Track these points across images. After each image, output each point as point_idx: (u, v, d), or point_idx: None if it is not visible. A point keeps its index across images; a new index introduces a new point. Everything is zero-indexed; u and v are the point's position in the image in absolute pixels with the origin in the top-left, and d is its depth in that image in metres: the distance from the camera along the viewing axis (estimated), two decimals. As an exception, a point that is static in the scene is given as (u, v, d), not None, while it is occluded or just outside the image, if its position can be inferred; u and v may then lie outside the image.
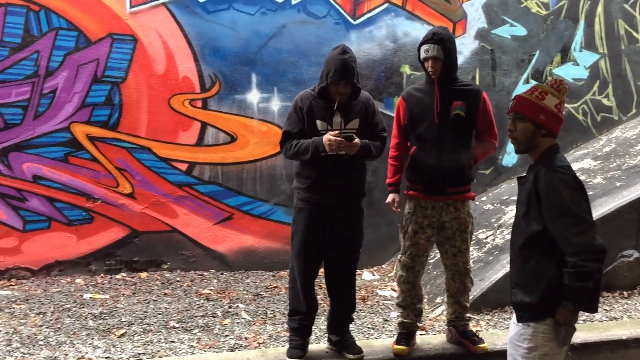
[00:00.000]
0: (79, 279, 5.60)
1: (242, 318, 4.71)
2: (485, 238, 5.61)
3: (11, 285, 5.43)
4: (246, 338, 4.29)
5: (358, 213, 3.79)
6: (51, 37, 5.53)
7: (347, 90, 3.60)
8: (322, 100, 3.64)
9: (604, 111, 6.97)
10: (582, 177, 5.83)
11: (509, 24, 6.57)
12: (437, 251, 4.14)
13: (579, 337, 3.99)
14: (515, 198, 2.94)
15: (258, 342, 4.22)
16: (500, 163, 6.63)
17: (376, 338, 4.36)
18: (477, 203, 6.35)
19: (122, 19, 5.66)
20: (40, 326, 4.45)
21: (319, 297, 4.89)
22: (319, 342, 4.15)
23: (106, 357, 3.93)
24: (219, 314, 4.78)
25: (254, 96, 5.96)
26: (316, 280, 3.88)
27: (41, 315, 4.67)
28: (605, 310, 4.92)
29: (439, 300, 4.96)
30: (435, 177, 3.77)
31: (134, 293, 5.25)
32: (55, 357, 3.92)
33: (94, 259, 5.74)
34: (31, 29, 5.49)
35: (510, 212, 5.72)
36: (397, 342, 3.90)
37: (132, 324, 4.52)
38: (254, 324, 4.60)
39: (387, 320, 4.72)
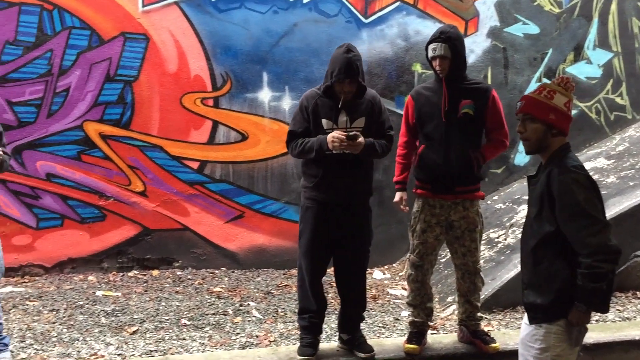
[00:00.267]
0: (91, 276, 5.64)
1: (253, 316, 4.72)
2: (497, 237, 5.59)
3: (25, 282, 5.48)
4: (257, 336, 4.31)
5: (365, 212, 3.78)
6: (64, 36, 5.57)
7: (352, 88, 3.59)
8: (328, 99, 3.64)
9: (617, 110, 6.91)
10: (595, 177, 5.79)
11: (521, 22, 6.53)
12: (448, 250, 4.13)
13: (591, 337, 3.97)
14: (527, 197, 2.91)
15: (269, 340, 4.23)
16: (512, 162, 6.60)
17: (387, 337, 4.36)
18: (488, 202, 6.32)
19: (135, 18, 5.69)
20: (54, 323, 4.49)
21: (329, 295, 4.91)
22: (329, 341, 4.15)
23: (118, 354, 3.96)
24: (230, 312, 4.79)
25: (265, 95, 5.97)
26: (327, 278, 3.88)
27: (54, 312, 4.71)
28: (618, 310, 4.88)
29: (450, 299, 4.95)
30: (443, 176, 3.76)
31: (146, 291, 5.28)
32: (68, 354, 3.95)
33: (106, 257, 5.78)
34: (45, 28, 5.53)
35: (522, 212, 5.69)
36: (408, 341, 3.89)
37: (144, 321, 4.55)
38: (265, 322, 4.61)
39: (398, 319, 4.71)
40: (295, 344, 4.02)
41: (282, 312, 4.83)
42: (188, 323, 4.53)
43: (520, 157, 6.60)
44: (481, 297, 4.09)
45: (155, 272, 5.77)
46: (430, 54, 3.76)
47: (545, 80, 6.47)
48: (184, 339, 4.22)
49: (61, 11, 5.55)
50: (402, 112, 4.02)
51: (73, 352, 3.98)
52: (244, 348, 4.09)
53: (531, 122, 2.74)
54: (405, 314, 4.64)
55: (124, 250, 5.81)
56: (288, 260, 5.95)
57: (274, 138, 5.98)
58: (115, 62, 5.67)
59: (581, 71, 6.73)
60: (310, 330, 3.78)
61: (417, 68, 6.22)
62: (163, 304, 4.94)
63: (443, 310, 4.91)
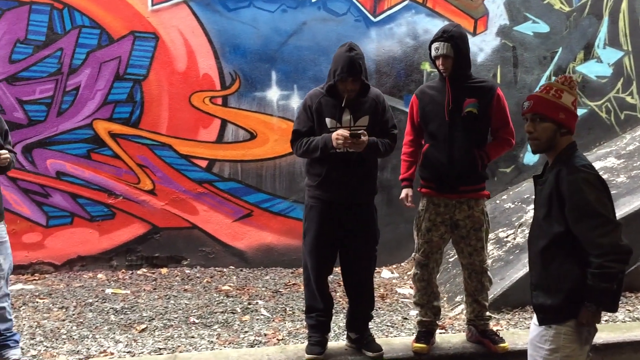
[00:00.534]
0: (100, 274, 5.67)
1: (262, 314, 4.73)
2: (506, 237, 5.57)
3: (35, 279, 5.52)
4: (265, 334, 4.31)
5: (370, 210, 3.77)
6: (74, 35, 5.60)
7: (355, 87, 3.59)
8: (331, 98, 3.64)
9: (627, 109, 6.86)
10: (605, 176, 5.76)
11: (531, 20, 6.50)
12: (455, 250, 4.12)
13: (601, 337, 3.94)
14: (537, 196, 2.89)
15: (277, 339, 4.23)
16: (522, 161, 6.57)
17: (395, 336, 4.35)
18: (497, 201, 6.30)
19: (144, 17, 5.71)
20: (63, 320, 4.52)
21: (337, 294, 4.91)
22: (338, 340, 4.15)
23: (127, 352, 3.97)
24: (239, 310, 4.80)
25: (273, 93, 5.98)
26: (335, 277, 3.88)
27: (64, 310, 4.73)
28: (628, 310, 4.85)
29: (458, 299, 4.93)
30: (447, 175, 3.75)
31: (155, 288, 5.30)
32: (78, 351, 3.97)
33: (115, 255, 5.81)
34: (55, 27, 5.57)
35: (532, 211, 5.65)
36: (417, 340, 3.88)
37: (153, 319, 4.57)
38: (273, 320, 4.62)
39: (406, 319, 4.71)
40: (303, 342, 4.03)
41: (290, 310, 4.83)
42: (196, 321, 4.54)
43: (530, 157, 6.57)
44: (490, 297, 4.07)
45: (164, 270, 5.79)
46: (433, 53, 3.75)
47: (555, 79, 6.43)
48: (193, 337, 4.24)
49: (71, 10, 5.59)
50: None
51: (82, 349, 4.00)
52: (252, 346, 4.10)
53: (541, 121, 2.72)
54: (414, 313, 4.63)
55: (133, 248, 5.84)
56: (296, 259, 5.95)
57: (282, 137, 5.99)
58: (124, 61, 5.70)
59: (591, 70, 6.69)
60: (318, 329, 3.78)
61: (426, 67, 6.20)
62: (172, 301, 4.96)
63: (451, 309, 4.90)
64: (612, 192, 2.71)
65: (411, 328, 4.45)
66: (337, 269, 3.89)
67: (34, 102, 5.58)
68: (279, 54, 5.95)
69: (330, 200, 3.65)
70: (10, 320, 3.67)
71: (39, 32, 5.54)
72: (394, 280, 5.79)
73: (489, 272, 3.92)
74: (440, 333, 4.26)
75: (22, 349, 3.86)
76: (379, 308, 4.88)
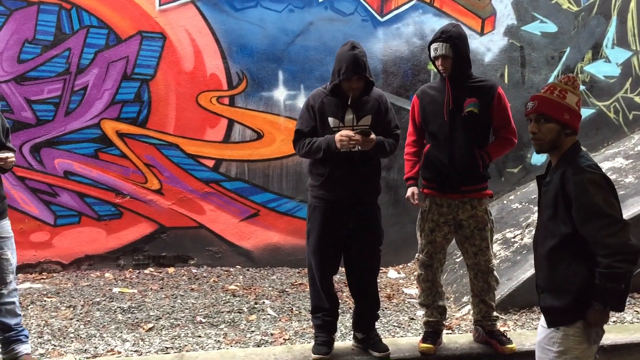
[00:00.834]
0: (108, 273, 5.69)
1: (268, 314, 4.73)
2: (513, 237, 5.55)
3: (42, 278, 5.55)
4: (272, 334, 4.32)
5: (374, 210, 3.77)
6: (82, 35, 5.63)
7: (359, 85, 3.59)
8: (334, 97, 3.64)
9: (636, 109, 6.82)
10: (613, 176, 5.73)
11: (539, 20, 6.47)
12: (460, 251, 4.11)
13: (609, 338, 3.93)
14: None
15: (284, 339, 4.23)
16: (529, 161, 6.54)
17: (402, 336, 4.35)
18: (505, 202, 6.28)
19: (152, 17, 5.73)
20: (71, 319, 4.54)
21: (344, 294, 4.91)
22: (344, 340, 4.15)
23: (135, 351, 3.99)
24: (245, 309, 4.81)
25: (280, 93, 5.98)
26: (342, 277, 3.88)
27: (71, 309, 4.75)
28: (637, 312, 4.82)
29: (465, 299, 4.92)
30: (448, 175, 3.74)
31: (162, 288, 5.31)
32: (85, 350, 3.99)
33: (122, 254, 5.83)
34: (63, 27, 5.59)
35: (539, 211, 5.64)
36: (424, 340, 3.88)
37: (160, 318, 4.58)
38: (280, 320, 4.62)
39: (412, 319, 4.70)
40: (310, 342, 4.03)
41: (296, 310, 4.83)
42: (203, 320, 4.55)
43: (537, 157, 6.54)
44: (497, 298, 4.06)
45: (170, 270, 5.81)
46: (432, 53, 3.75)
47: (558, 79, 6.40)
48: (200, 336, 4.25)
49: (79, 10, 5.61)
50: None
51: (90, 348, 4.02)
52: (259, 346, 4.10)
53: (545, 122, 2.71)
54: (420, 313, 4.62)
55: (140, 247, 5.85)
56: (302, 259, 5.91)
57: (289, 137, 5.91)
58: (132, 61, 5.71)
59: (599, 70, 6.66)
60: (325, 329, 3.78)
61: (433, 67, 6.17)
62: (179, 301, 4.97)
63: (458, 310, 4.89)
64: (620, 193, 2.70)
65: (418, 328, 4.45)
66: (344, 269, 3.89)
67: (42, 101, 5.61)
68: (285, 54, 5.96)
69: (334, 200, 3.65)
70: (20, 315, 3.70)
71: (47, 32, 5.57)
72: (401, 280, 5.79)
73: (495, 272, 3.90)
74: (447, 333, 4.26)
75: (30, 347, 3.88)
76: (386, 308, 4.87)
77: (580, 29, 6.61)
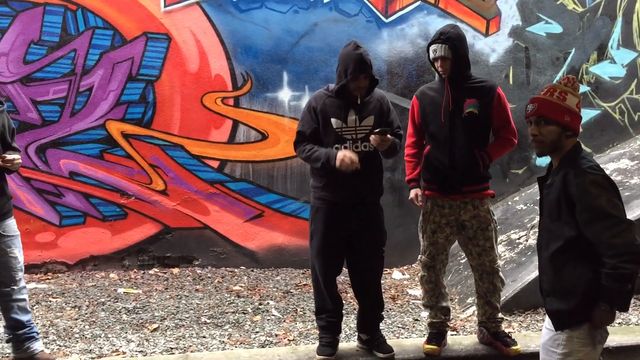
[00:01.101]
0: (113, 273, 5.71)
1: (273, 315, 4.74)
2: (518, 238, 5.54)
3: (47, 278, 5.56)
4: (276, 335, 4.32)
5: (376, 211, 3.77)
6: (88, 36, 5.64)
7: (366, 84, 3.62)
8: (337, 98, 3.64)
9: (641, 110, 6.81)
10: (618, 178, 5.72)
11: (544, 21, 6.46)
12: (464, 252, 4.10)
13: (614, 340, 3.92)
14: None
15: (288, 339, 4.24)
16: (534, 162, 6.53)
17: (406, 337, 4.34)
18: (509, 203, 6.27)
19: (157, 18, 5.74)
20: (76, 319, 4.55)
21: (349, 295, 4.91)
22: (349, 341, 4.15)
23: (140, 351, 4.00)
24: (250, 310, 4.81)
25: (285, 94, 5.99)
26: (346, 278, 3.88)
27: (76, 309, 4.77)
28: (642, 313, 4.81)
29: (470, 300, 4.91)
30: (449, 176, 3.74)
31: (166, 288, 5.32)
32: (91, 350, 4.00)
33: (127, 255, 5.84)
34: (68, 28, 5.61)
35: (544, 213, 5.63)
36: (428, 341, 3.88)
37: (165, 318, 4.59)
38: (284, 321, 4.62)
39: (417, 320, 4.70)
40: (314, 343, 4.03)
41: (301, 311, 4.84)
42: (208, 321, 4.56)
43: (542, 158, 6.53)
44: (502, 299, 4.05)
45: (175, 270, 5.82)
46: (431, 55, 3.74)
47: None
48: (204, 337, 4.25)
49: (85, 11, 5.63)
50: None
51: (95, 348, 4.03)
52: (263, 347, 4.10)
53: (545, 124, 2.70)
54: (425, 314, 4.62)
55: (145, 248, 5.87)
56: (307, 260, 5.90)
57: (293, 137, 5.94)
58: (137, 62, 5.73)
59: (605, 71, 6.64)
60: (329, 330, 3.78)
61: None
62: (183, 301, 4.98)
63: (463, 311, 4.88)
64: (625, 194, 2.70)
65: (422, 329, 4.44)
66: (346, 270, 3.89)
67: (48, 102, 5.63)
68: (290, 55, 5.96)
69: (336, 201, 3.65)
70: (30, 312, 3.72)
71: (52, 33, 5.59)
72: (405, 281, 5.78)
73: (500, 273, 3.90)
74: (452, 335, 4.25)
75: (36, 347, 3.90)
76: (390, 309, 4.87)
77: (586, 30, 6.59)
